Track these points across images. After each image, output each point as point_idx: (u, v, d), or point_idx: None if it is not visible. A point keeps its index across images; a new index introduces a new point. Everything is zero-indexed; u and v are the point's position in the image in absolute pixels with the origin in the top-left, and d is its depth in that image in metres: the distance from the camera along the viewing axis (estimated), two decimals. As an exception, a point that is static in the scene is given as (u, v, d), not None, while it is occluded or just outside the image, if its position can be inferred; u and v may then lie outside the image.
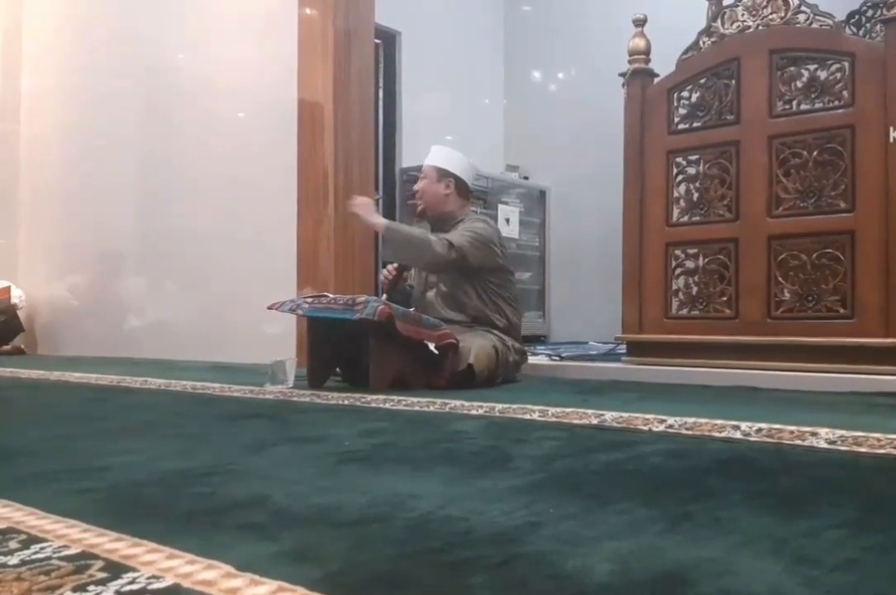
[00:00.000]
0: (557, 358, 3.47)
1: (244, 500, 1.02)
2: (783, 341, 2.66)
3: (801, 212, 2.69)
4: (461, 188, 2.92)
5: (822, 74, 2.70)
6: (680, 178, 2.98)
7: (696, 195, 2.94)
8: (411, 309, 2.72)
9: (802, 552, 0.78)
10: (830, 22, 2.72)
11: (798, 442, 1.40)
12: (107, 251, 5.00)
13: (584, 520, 0.91)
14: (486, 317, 2.79)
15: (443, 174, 2.89)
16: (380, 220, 2.75)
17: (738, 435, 1.48)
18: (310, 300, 2.61)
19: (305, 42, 3.90)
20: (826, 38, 2.70)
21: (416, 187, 2.95)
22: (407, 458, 1.35)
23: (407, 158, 5.11)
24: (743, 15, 2.88)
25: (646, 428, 1.60)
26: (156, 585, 0.69)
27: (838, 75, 2.66)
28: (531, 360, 3.32)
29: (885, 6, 2.63)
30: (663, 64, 3.08)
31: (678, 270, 2.96)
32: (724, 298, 2.84)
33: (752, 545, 0.80)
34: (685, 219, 2.96)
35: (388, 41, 5.23)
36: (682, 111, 2.99)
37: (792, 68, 2.76)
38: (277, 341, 3.65)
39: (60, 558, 0.76)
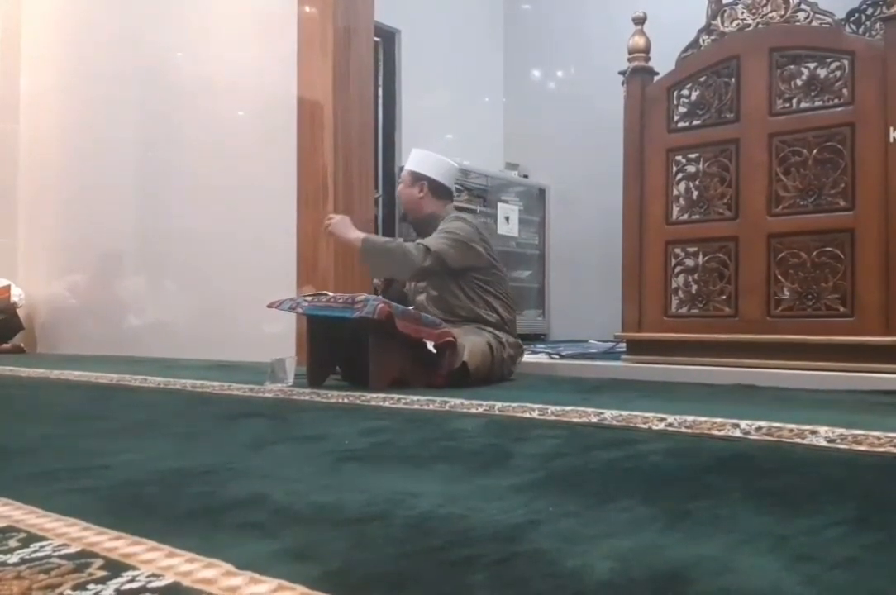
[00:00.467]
0: (557, 356, 3.47)
1: (244, 499, 1.02)
2: (783, 339, 2.66)
3: (801, 210, 2.69)
4: (436, 190, 2.92)
5: (822, 72, 2.70)
6: (680, 176, 2.98)
7: (695, 193, 2.94)
8: (411, 307, 2.73)
9: (802, 550, 0.78)
10: (830, 20, 2.72)
11: (798, 440, 1.40)
12: (107, 250, 5.00)
13: (584, 518, 0.91)
14: (477, 315, 2.78)
15: (416, 178, 2.92)
16: (356, 235, 2.75)
17: (737, 433, 1.48)
18: (309, 299, 2.62)
19: (305, 41, 3.90)
20: (826, 36, 2.70)
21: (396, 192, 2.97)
22: (407, 456, 1.35)
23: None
24: (743, 13, 2.88)
25: (645, 426, 1.60)
26: (155, 584, 0.69)
27: (838, 73, 2.66)
28: (531, 358, 3.33)
29: (885, 4, 2.63)
30: (663, 62, 3.08)
31: (678, 269, 2.96)
32: (724, 297, 2.83)
33: (751, 543, 0.80)
34: (685, 217, 2.95)
35: (387, 39, 5.23)
36: (682, 109, 2.99)
37: (792, 66, 2.76)
38: (277, 340, 3.64)
39: (60, 557, 0.76)
